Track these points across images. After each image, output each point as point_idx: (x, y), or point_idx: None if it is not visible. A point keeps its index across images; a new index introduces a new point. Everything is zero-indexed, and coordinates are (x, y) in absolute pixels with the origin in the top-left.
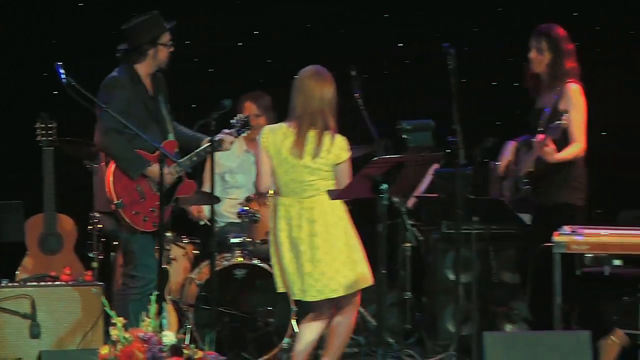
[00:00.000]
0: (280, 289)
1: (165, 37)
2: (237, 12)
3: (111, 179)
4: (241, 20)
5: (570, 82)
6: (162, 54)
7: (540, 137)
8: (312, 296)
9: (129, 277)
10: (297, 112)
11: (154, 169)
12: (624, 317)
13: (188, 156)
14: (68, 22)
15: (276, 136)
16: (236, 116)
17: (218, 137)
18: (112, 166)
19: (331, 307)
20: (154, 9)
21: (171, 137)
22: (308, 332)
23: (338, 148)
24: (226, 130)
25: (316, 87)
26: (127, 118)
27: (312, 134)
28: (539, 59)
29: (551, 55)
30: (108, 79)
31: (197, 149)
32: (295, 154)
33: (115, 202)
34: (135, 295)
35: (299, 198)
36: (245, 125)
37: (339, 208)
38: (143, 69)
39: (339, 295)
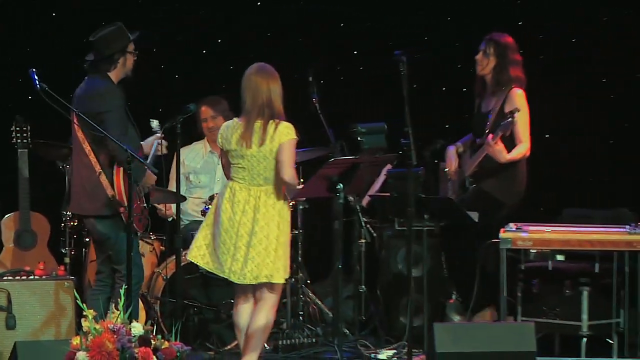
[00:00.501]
0: (194, 258)
1: (131, 46)
2: (201, 24)
3: (122, 183)
4: (206, 32)
5: (514, 87)
6: (129, 62)
7: (489, 136)
8: (238, 278)
9: (121, 277)
10: (246, 106)
11: (150, 176)
12: (565, 309)
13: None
14: (41, 31)
15: (227, 131)
16: (152, 121)
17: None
18: (120, 172)
19: (254, 294)
20: (117, 21)
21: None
22: (240, 318)
23: (280, 133)
24: (151, 138)
25: (262, 81)
26: (122, 120)
27: (258, 124)
28: (484, 62)
29: (497, 61)
30: (101, 87)
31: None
32: (243, 144)
33: (125, 206)
34: (133, 292)
35: (248, 186)
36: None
37: (280, 205)
38: (114, 76)
39: (259, 282)
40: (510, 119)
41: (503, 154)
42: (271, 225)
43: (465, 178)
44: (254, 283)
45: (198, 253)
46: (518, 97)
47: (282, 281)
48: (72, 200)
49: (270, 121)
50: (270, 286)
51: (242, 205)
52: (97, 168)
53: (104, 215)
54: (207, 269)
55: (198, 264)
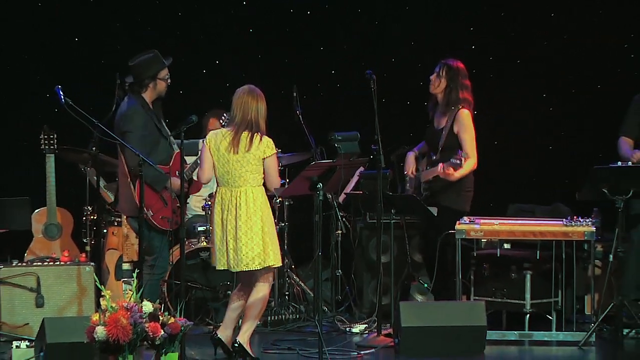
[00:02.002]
0: (214, 263)
1: (163, 73)
2: (199, 49)
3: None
4: (202, 53)
5: (462, 108)
6: (160, 86)
7: (440, 166)
8: (232, 267)
9: (148, 266)
10: (236, 120)
11: (174, 181)
12: (511, 290)
13: (190, 164)
14: (66, 54)
15: (217, 137)
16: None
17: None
18: (138, 183)
19: (251, 280)
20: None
21: (175, 148)
22: (235, 299)
23: (264, 145)
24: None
25: (252, 101)
26: (145, 138)
27: (245, 135)
28: (437, 82)
29: (447, 83)
30: (126, 108)
31: None
32: (231, 150)
33: (146, 212)
34: (154, 280)
35: (231, 188)
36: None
37: (260, 201)
38: (147, 97)
39: (250, 268)
40: (459, 162)
41: (454, 176)
42: (254, 219)
43: (421, 184)
44: (245, 270)
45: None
46: (465, 118)
47: (275, 264)
48: (118, 202)
49: (256, 134)
50: (265, 269)
51: (227, 205)
52: (127, 177)
53: (134, 215)
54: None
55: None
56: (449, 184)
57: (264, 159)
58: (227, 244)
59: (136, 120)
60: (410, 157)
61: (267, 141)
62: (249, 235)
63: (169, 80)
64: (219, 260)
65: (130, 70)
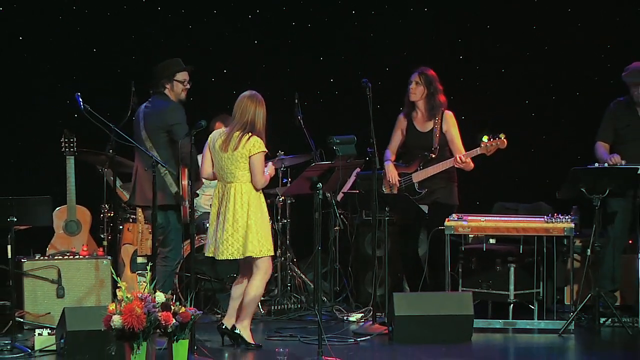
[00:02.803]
0: (204, 250)
1: (180, 76)
2: (207, 58)
3: (186, 182)
4: (212, 63)
5: (446, 110)
6: (177, 88)
7: (459, 157)
8: (218, 256)
9: (163, 257)
10: (234, 120)
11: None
12: (497, 282)
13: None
14: (85, 65)
15: (215, 136)
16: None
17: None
18: (186, 171)
19: (249, 271)
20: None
21: None
22: (236, 289)
23: (250, 144)
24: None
25: (251, 104)
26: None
27: (236, 134)
28: (417, 91)
29: (426, 90)
30: (164, 106)
31: None
32: (223, 148)
33: (186, 200)
34: (168, 271)
35: (224, 183)
36: None
37: (248, 196)
38: (172, 97)
39: (234, 258)
40: (496, 143)
41: (471, 166)
42: (240, 213)
43: (413, 184)
44: (230, 259)
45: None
46: (451, 118)
47: (257, 255)
48: (137, 196)
49: (247, 134)
50: (254, 261)
51: (220, 199)
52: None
53: (163, 204)
54: (210, 255)
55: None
56: (447, 180)
57: (250, 156)
58: (216, 234)
59: (180, 113)
60: (391, 166)
61: (255, 140)
62: (234, 227)
63: (187, 85)
64: (208, 247)
65: (153, 73)
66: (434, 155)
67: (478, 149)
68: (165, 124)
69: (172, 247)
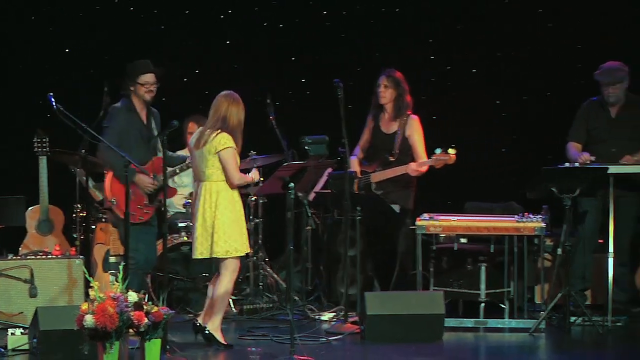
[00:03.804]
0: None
1: (143, 78)
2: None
3: (109, 183)
4: (184, 63)
5: (411, 114)
6: (140, 90)
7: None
8: (193, 255)
9: (127, 258)
10: (209, 118)
11: (139, 178)
12: (468, 281)
13: (168, 171)
14: (57, 65)
15: (194, 135)
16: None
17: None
18: (110, 174)
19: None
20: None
21: (160, 154)
22: (211, 288)
23: (217, 140)
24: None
25: (225, 102)
26: (122, 137)
27: (208, 132)
28: (386, 93)
29: (395, 92)
30: (111, 108)
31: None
32: (196, 145)
33: (110, 200)
34: (131, 271)
35: (199, 182)
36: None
37: (217, 196)
38: (135, 101)
39: (204, 257)
40: (443, 158)
41: (423, 171)
42: (209, 212)
43: (370, 183)
44: (199, 258)
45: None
46: (416, 123)
47: (224, 255)
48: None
49: (217, 130)
50: (222, 261)
51: (195, 198)
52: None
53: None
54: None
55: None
56: (400, 184)
57: (217, 153)
58: (195, 233)
59: (115, 118)
60: (355, 161)
61: (222, 136)
62: (203, 226)
63: (152, 87)
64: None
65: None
66: (392, 159)
67: (429, 160)
68: (103, 125)
69: (130, 247)
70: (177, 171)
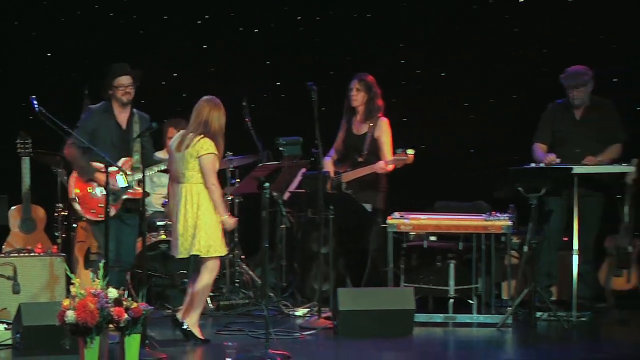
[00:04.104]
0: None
1: (118, 81)
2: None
3: (73, 181)
4: (162, 67)
5: (381, 116)
6: (117, 92)
7: (383, 163)
8: (175, 254)
9: (106, 255)
10: (190, 122)
11: (98, 176)
12: (437, 277)
13: (134, 176)
14: (40, 69)
15: (175, 139)
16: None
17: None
18: (75, 171)
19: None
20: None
21: (137, 156)
22: (190, 284)
23: (199, 145)
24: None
25: (206, 107)
26: (92, 137)
27: (190, 136)
28: (358, 96)
29: (367, 95)
30: (87, 108)
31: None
32: (178, 148)
33: (71, 197)
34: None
35: (179, 184)
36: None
37: (197, 197)
38: (115, 104)
39: (183, 256)
40: (404, 157)
41: (387, 170)
42: (190, 212)
43: (341, 182)
44: (180, 257)
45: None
46: (385, 125)
47: (205, 254)
48: None
49: (200, 135)
50: (203, 260)
51: (176, 198)
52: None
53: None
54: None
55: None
56: (369, 184)
57: (198, 157)
58: (175, 232)
59: (88, 118)
60: (329, 162)
61: (205, 142)
62: (185, 226)
63: (128, 89)
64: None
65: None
66: (361, 159)
67: (390, 160)
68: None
69: (97, 244)
70: (151, 172)
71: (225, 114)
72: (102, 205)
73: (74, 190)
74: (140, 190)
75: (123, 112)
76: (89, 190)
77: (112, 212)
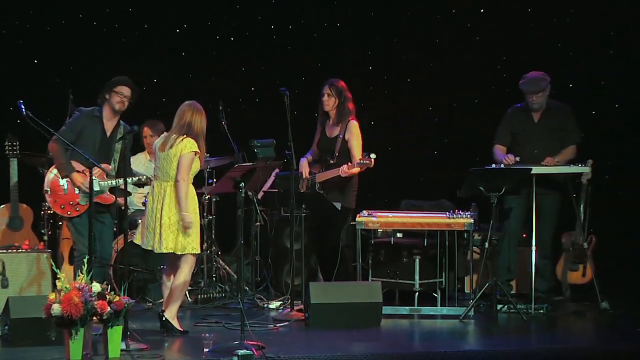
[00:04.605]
0: (136, 240)
1: (120, 89)
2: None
3: (49, 174)
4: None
5: (351, 119)
6: (114, 99)
7: (345, 166)
8: (155, 249)
9: (91, 252)
10: (173, 125)
11: (75, 176)
12: (403, 272)
13: (107, 182)
14: (27, 75)
15: (158, 140)
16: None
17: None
18: (54, 166)
19: (175, 263)
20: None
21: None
22: (165, 279)
23: (182, 145)
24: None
25: (189, 110)
26: (76, 138)
27: (174, 137)
28: (330, 101)
29: (338, 100)
30: (77, 109)
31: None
32: (161, 148)
33: (44, 190)
34: (77, 262)
35: (160, 182)
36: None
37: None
38: (105, 110)
39: (162, 252)
40: (367, 162)
41: (352, 173)
42: (173, 211)
43: (315, 182)
44: (160, 252)
45: (139, 236)
46: (355, 128)
47: (182, 251)
48: None
49: (182, 135)
50: (181, 257)
51: (157, 196)
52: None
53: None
54: (141, 245)
55: (137, 243)
56: (340, 184)
57: (180, 155)
58: (153, 229)
59: (76, 119)
60: (304, 163)
61: (188, 140)
62: (167, 224)
63: (123, 99)
64: (144, 239)
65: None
66: (332, 161)
67: (354, 164)
68: None
69: (74, 239)
70: (110, 183)
71: (206, 117)
72: (72, 203)
73: (48, 184)
74: (109, 197)
75: (111, 121)
76: (60, 185)
77: (80, 211)
